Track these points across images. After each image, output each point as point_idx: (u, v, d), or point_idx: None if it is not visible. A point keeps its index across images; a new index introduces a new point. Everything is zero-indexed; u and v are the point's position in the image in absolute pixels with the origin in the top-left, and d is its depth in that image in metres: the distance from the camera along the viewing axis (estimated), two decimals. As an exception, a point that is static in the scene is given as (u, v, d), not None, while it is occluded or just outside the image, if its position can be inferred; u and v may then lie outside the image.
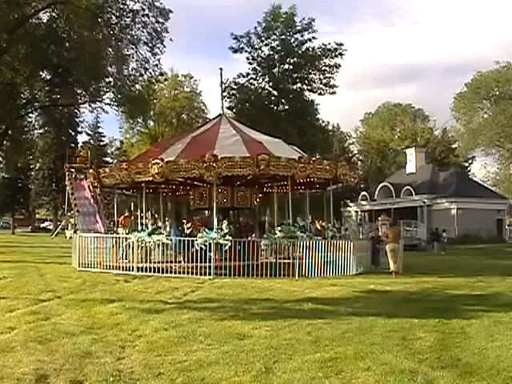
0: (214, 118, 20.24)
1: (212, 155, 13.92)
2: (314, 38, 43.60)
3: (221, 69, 20.11)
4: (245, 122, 21.79)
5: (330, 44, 43.69)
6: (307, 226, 16.02)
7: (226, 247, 13.61)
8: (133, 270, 13.59)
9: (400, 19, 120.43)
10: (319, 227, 18.15)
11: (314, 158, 15.72)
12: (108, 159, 62.68)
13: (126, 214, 18.48)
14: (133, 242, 14.47)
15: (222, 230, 13.91)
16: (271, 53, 44.26)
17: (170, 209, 23.53)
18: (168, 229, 17.15)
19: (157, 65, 30.66)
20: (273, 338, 6.30)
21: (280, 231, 14.17)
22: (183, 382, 4.68)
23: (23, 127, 36.47)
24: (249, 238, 14.19)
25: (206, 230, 14.13)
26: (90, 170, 17.96)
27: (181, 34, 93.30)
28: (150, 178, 14.57)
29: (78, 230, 27.43)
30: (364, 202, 51.01)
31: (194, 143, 16.08)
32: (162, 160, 14.29)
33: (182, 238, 14.29)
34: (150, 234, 14.57)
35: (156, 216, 19.33)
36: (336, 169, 15.64)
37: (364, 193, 51.09)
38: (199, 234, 13.99)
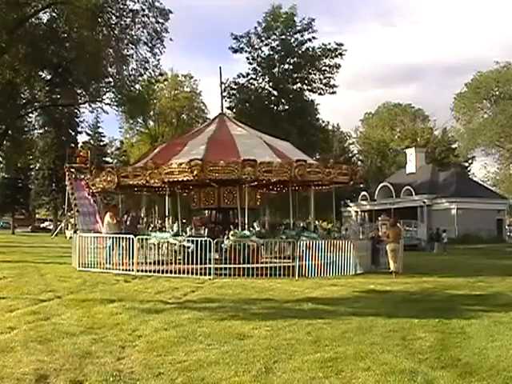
0: (214, 118, 20.16)
1: (252, 159, 13.99)
2: (313, 38, 43.71)
3: (220, 67, 20.22)
4: (245, 122, 21.76)
5: (329, 44, 43.78)
6: (310, 226, 16.16)
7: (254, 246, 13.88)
8: (133, 270, 13.58)
9: (400, 19, 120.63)
10: (319, 227, 18.19)
11: (337, 164, 16.69)
12: (108, 159, 62.71)
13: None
14: (153, 244, 14.45)
15: (253, 228, 14.42)
16: (271, 53, 44.29)
17: (170, 209, 23.47)
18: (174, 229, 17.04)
19: (157, 65, 30.80)
20: (273, 337, 6.29)
21: (232, 235, 14.03)
22: (183, 382, 4.68)
23: (23, 127, 36.49)
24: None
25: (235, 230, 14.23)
26: (109, 169, 17.01)
27: (181, 34, 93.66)
28: (186, 178, 14.23)
29: (78, 229, 27.47)
30: (364, 202, 51.03)
31: (214, 143, 15.98)
32: (203, 161, 14.06)
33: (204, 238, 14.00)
34: (175, 235, 14.41)
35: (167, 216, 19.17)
36: (354, 172, 16.39)
37: (364, 193, 51.12)
38: (231, 233, 14.04)
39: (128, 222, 16.92)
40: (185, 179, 14.34)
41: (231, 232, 14.08)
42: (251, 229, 14.33)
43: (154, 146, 35.24)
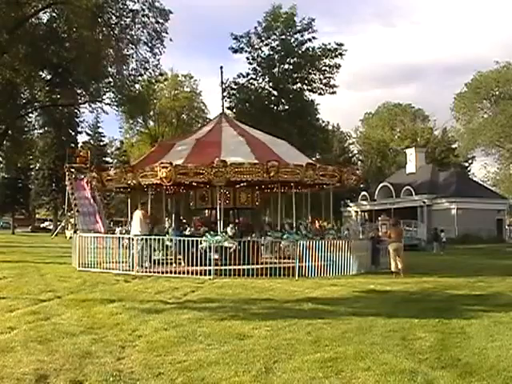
0: (214, 118, 20.23)
1: (221, 161, 13.99)
2: (314, 38, 43.63)
3: (221, 67, 20.16)
4: (245, 122, 21.76)
5: (330, 44, 43.70)
6: (303, 226, 16.09)
7: (231, 250, 13.73)
8: (133, 270, 13.58)
9: (400, 19, 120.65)
10: (319, 227, 18.17)
11: (318, 165, 15.70)
12: (108, 159, 62.73)
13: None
14: (206, 247, 14.05)
15: (226, 232, 14.15)
16: (271, 53, 44.25)
17: (170, 209, 23.51)
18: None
19: (157, 65, 30.78)
20: (273, 337, 6.29)
21: (205, 240, 14.04)
22: (183, 382, 4.68)
23: (23, 127, 36.49)
24: (248, 238, 14.17)
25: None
26: (92, 174, 17.71)
27: (181, 34, 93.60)
28: (158, 181, 14.52)
29: (78, 229, 27.48)
30: (364, 202, 51.03)
31: (200, 146, 16.07)
32: (171, 164, 14.21)
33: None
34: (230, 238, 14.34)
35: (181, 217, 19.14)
36: (341, 174, 15.91)
37: (364, 193, 51.13)
38: (203, 238, 13.96)
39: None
40: (158, 182, 14.58)
41: (203, 237, 14.07)
42: (224, 233, 14.15)
43: (153, 145, 35.32)
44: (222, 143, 16.03)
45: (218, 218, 14.70)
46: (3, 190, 55.92)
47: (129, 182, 15.44)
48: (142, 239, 13.97)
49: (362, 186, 46.28)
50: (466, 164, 64.44)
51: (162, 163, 14.34)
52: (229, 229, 14.39)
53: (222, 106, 20.74)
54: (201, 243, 13.79)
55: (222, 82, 21.83)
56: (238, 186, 16.17)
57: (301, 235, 14.88)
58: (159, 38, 29.31)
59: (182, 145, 16.82)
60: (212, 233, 14.23)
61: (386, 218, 36.62)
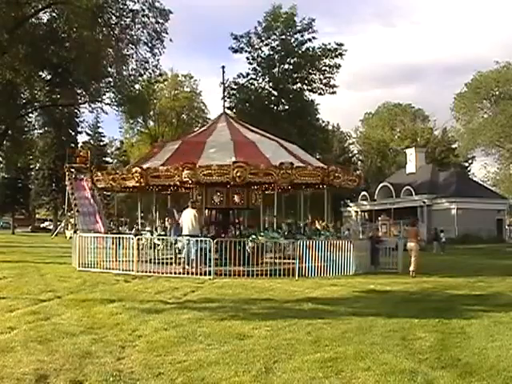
0: (218, 117, 20.19)
1: (190, 163, 14.20)
2: (314, 38, 43.75)
3: (223, 66, 20.08)
4: (245, 122, 21.73)
5: (330, 44, 43.81)
6: (298, 227, 16.11)
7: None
8: (133, 270, 13.58)
9: (400, 19, 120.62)
10: (319, 227, 18.16)
11: (296, 165, 14.91)
12: (108, 159, 62.73)
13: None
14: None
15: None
16: (271, 53, 44.30)
17: (170, 208, 23.49)
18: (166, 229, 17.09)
19: (156, 65, 30.81)
20: (273, 337, 6.29)
21: (179, 241, 14.23)
22: (183, 382, 4.68)
23: (23, 127, 36.51)
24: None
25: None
26: (107, 171, 18.16)
27: (181, 34, 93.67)
28: (136, 184, 15.18)
29: (78, 229, 27.46)
30: (364, 202, 51.03)
31: (184, 147, 16.45)
32: (141, 168, 15.00)
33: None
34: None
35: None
36: (323, 173, 15.25)
37: (364, 193, 51.10)
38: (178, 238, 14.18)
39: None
40: (134, 185, 15.31)
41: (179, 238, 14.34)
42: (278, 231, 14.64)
43: (153, 145, 35.23)
44: (205, 145, 16.16)
45: (220, 218, 14.85)
46: (3, 189, 55.94)
47: (112, 184, 16.13)
48: (196, 240, 13.52)
49: (362, 185, 46.21)
50: (466, 164, 64.42)
51: (133, 167, 15.24)
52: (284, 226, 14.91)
53: (223, 105, 20.71)
54: (248, 243, 13.94)
55: (223, 82, 21.83)
56: (228, 186, 16.09)
57: (281, 234, 14.83)
58: (159, 38, 29.34)
59: (172, 146, 17.29)
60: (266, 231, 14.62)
61: (386, 218, 36.72)
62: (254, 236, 14.20)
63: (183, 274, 12.93)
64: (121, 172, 16.28)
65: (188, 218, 14.02)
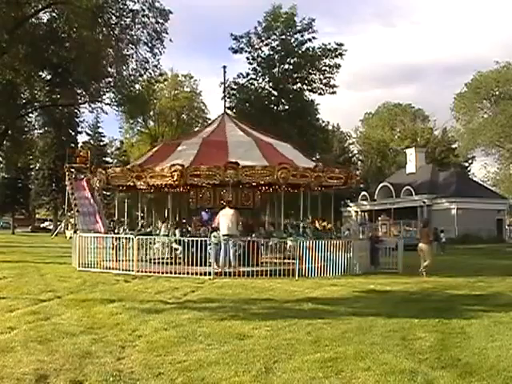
0: (216, 118, 20.19)
1: (234, 163, 14.07)
2: (314, 38, 43.66)
3: (224, 66, 20.10)
4: (246, 122, 21.74)
5: (330, 44, 43.72)
6: (309, 228, 16.11)
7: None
8: (133, 270, 13.58)
9: (400, 19, 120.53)
10: (319, 227, 18.15)
11: (326, 167, 15.81)
12: (108, 159, 62.71)
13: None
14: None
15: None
16: (271, 53, 44.26)
17: (171, 208, 23.48)
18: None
19: (156, 65, 30.82)
20: (273, 337, 6.29)
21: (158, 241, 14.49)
22: (183, 382, 4.67)
23: (23, 127, 36.52)
24: (248, 238, 14.16)
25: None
26: (99, 170, 17.37)
27: (181, 34, 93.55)
28: (167, 183, 14.58)
29: (78, 229, 27.49)
30: (364, 202, 51.06)
31: (206, 146, 16.01)
32: (183, 166, 14.14)
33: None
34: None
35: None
36: (348, 177, 16.12)
37: (364, 193, 51.14)
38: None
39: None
40: (167, 183, 14.58)
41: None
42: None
43: (153, 145, 35.24)
44: (228, 144, 16.06)
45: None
46: (3, 189, 55.94)
47: (135, 181, 15.16)
48: (235, 240, 13.57)
49: (352, 183, 46.26)
50: (466, 164, 64.43)
51: (173, 165, 14.28)
52: (177, 231, 15.00)
53: (224, 105, 20.73)
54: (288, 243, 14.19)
55: (224, 83, 21.84)
56: (240, 185, 16.13)
57: (307, 236, 14.95)
58: (159, 38, 29.35)
59: (188, 145, 16.71)
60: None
61: (386, 218, 36.74)
62: (293, 237, 14.53)
63: (220, 275, 12.80)
64: (150, 170, 15.06)
65: (227, 218, 13.66)
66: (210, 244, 13.43)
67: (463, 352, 5.71)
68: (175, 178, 14.05)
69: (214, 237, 13.58)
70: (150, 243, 15.07)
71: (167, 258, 14.69)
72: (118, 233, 16.45)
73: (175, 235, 15.02)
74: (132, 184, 15.69)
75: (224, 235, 13.50)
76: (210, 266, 13.11)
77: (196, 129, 37.83)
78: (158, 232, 15.92)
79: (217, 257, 13.37)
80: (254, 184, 15.91)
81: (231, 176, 14.07)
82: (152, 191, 18.52)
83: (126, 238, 14.88)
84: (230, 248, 13.37)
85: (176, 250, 14.49)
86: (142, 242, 14.67)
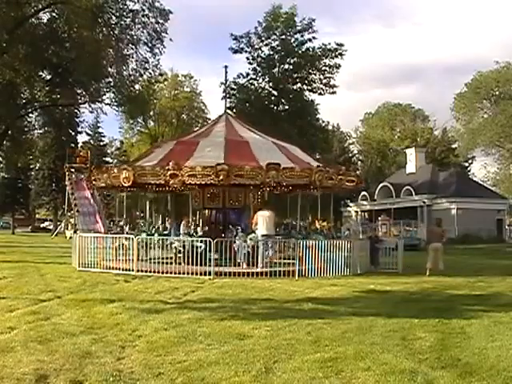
0: (219, 117, 20.13)
1: (175, 164, 14.01)
2: (314, 38, 43.69)
3: (226, 66, 20.11)
4: (246, 122, 21.72)
5: (330, 44, 43.76)
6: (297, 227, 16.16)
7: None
8: (133, 270, 13.58)
9: (401, 20, 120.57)
10: (319, 227, 18.17)
11: (283, 166, 14.60)
12: (108, 159, 62.70)
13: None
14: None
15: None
16: (271, 53, 44.27)
17: (171, 208, 23.53)
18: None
19: (157, 65, 30.84)
20: (273, 337, 6.29)
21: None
22: (183, 382, 4.67)
23: (23, 127, 36.47)
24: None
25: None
26: (124, 167, 16.95)
27: (181, 34, 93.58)
28: (209, 182, 14.38)
29: (78, 229, 27.49)
30: (364, 202, 51.04)
31: (231, 146, 15.90)
32: (229, 165, 14.03)
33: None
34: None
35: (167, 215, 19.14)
36: (311, 174, 14.87)
37: (364, 193, 51.10)
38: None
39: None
40: (208, 183, 14.35)
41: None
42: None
43: (152, 145, 35.19)
44: (198, 146, 15.96)
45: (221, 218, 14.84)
46: (3, 189, 55.94)
47: (168, 179, 14.43)
48: (271, 240, 14.07)
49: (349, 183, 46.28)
50: (466, 164, 64.40)
51: (219, 164, 14.02)
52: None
53: (225, 105, 20.73)
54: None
55: (225, 82, 21.87)
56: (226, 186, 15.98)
57: (325, 236, 15.11)
58: (159, 38, 29.36)
59: (208, 144, 16.31)
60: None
61: (386, 218, 36.69)
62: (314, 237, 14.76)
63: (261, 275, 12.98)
64: (189, 168, 14.45)
65: (266, 219, 14.14)
66: (238, 244, 14.07)
67: (463, 352, 5.72)
68: (221, 177, 13.77)
69: (251, 239, 14.01)
70: (171, 243, 14.94)
71: (179, 258, 14.46)
72: (127, 233, 16.51)
73: (196, 233, 15.32)
74: (163, 182, 15.01)
75: (263, 235, 13.98)
76: (209, 266, 13.11)
77: (196, 128, 37.67)
78: (173, 232, 15.85)
79: (244, 256, 13.87)
80: (285, 185, 15.77)
81: (273, 177, 14.04)
82: (157, 191, 18.48)
83: (148, 238, 14.95)
84: (269, 247, 13.90)
85: (199, 248, 14.42)
86: (160, 244, 14.69)
